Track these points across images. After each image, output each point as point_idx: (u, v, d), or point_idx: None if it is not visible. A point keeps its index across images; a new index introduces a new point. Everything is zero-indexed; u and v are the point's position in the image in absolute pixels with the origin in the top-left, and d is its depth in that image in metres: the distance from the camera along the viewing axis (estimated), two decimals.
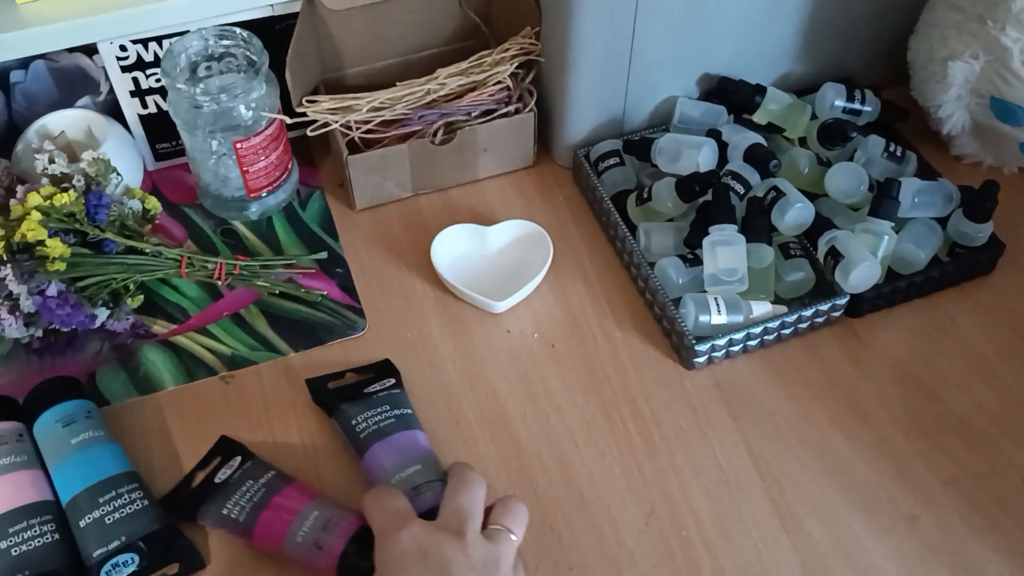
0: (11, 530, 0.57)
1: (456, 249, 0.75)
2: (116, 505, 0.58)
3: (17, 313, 0.66)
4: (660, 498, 0.63)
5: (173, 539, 0.59)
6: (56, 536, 0.58)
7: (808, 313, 0.70)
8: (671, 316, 0.69)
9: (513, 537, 0.54)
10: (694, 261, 0.71)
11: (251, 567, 0.59)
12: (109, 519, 0.58)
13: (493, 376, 0.69)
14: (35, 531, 0.57)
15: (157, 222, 0.77)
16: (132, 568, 0.57)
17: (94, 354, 0.71)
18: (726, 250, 0.69)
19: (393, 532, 0.53)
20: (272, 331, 0.72)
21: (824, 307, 0.70)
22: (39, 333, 0.69)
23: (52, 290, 0.66)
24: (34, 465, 0.61)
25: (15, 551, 0.56)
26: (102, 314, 0.70)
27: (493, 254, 0.76)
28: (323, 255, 0.77)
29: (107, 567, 0.56)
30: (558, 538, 0.61)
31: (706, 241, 0.70)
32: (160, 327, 0.73)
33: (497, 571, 0.52)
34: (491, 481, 0.63)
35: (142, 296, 0.73)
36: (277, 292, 0.74)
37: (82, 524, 0.58)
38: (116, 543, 0.57)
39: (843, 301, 0.70)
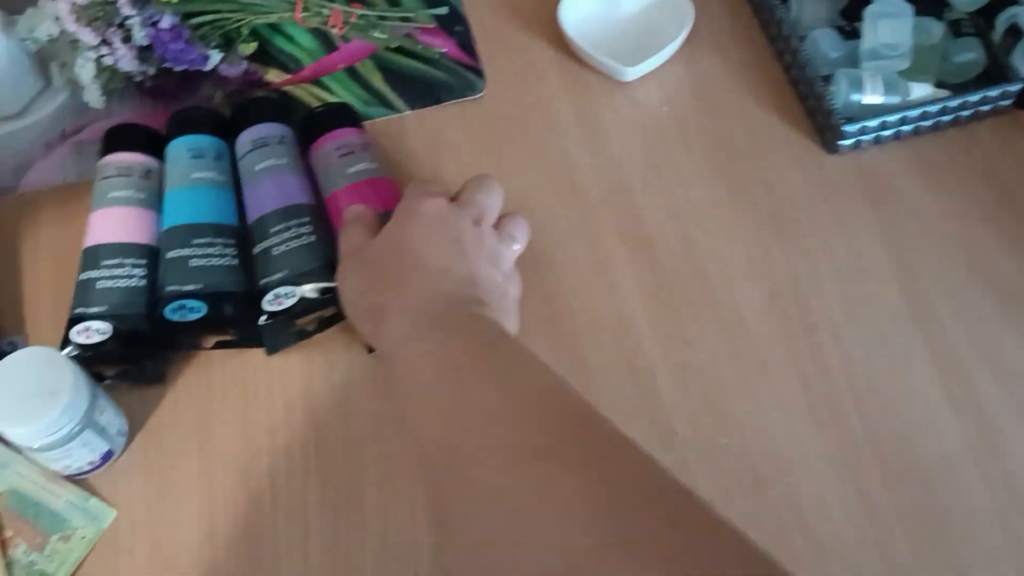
0: (103, 263, 0.56)
1: (586, 10, 0.69)
2: (207, 253, 0.56)
3: (130, 44, 0.64)
4: (786, 279, 0.59)
5: (248, 309, 0.56)
6: (144, 282, 0.56)
7: (974, 99, 0.62)
8: (819, 93, 0.63)
9: (516, 247, 0.55)
10: (851, 34, 0.64)
11: (308, 360, 0.58)
12: (194, 262, 0.56)
13: (616, 147, 0.65)
14: (126, 271, 0.56)
15: None
16: (196, 316, 0.55)
17: (206, 99, 0.69)
18: (890, 22, 0.62)
19: (419, 198, 0.53)
20: (387, 87, 0.69)
21: (993, 93, 0.62)
22: (152, 71, 0.68)
23: (166, 22, 0.64)
24: (150, 205, 0.59)
25: (100, 284, 0.55)
26: (215, 56, 0.68)
27: (626, 18, 0.70)
28: (443, 10, 0.72)
29: (174, 304, 0.55)
30: (675, 311, 0.58)
31: (868, 11, 0.62)
32: (273, 76, 0.70)
33: (501, 263, 0.53)
34: (607, 250, 0.61)
35: (256, 44, 0.70)
36: (394, 46, 0.70)
37: (168, 256, 0.57)
38: (191, 287, 0.55)
39: (1015, 88, 0.63)
